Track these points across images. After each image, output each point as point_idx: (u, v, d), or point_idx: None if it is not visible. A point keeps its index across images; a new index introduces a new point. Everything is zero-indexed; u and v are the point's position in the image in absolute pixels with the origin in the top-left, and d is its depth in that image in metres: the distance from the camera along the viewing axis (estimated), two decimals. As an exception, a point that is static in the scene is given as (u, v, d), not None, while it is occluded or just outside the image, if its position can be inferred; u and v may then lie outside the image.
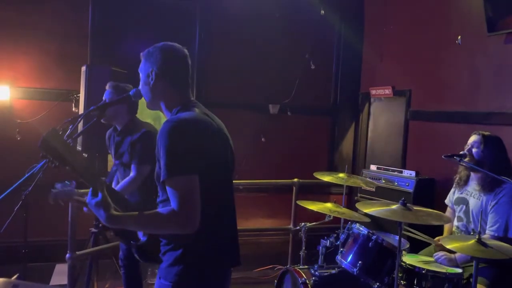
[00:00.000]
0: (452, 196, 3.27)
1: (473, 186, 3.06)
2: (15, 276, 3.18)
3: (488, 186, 2.92)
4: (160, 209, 1.64)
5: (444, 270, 2.69)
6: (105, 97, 3.16)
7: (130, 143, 3.08)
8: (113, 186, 3.14)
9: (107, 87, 3.17)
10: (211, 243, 1.71)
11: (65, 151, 1.57)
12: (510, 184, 2.75)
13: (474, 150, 2.97)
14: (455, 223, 3.12)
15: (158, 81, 1.77)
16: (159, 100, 1.80)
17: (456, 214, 3.14)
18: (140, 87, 1.85)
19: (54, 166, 1.61)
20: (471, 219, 3.01)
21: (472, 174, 3.07)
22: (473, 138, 3.03)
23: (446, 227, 3.26)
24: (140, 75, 1.84)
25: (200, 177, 1.61)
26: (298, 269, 3.11)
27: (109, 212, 1.59)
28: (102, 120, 3.12)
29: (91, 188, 1.63)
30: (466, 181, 3.12)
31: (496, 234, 2.80)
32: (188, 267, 1.67)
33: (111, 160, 3.53)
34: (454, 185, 3.26)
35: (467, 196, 3.09)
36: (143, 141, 3.03)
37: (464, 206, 3.08)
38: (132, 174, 3.05)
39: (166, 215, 1.59)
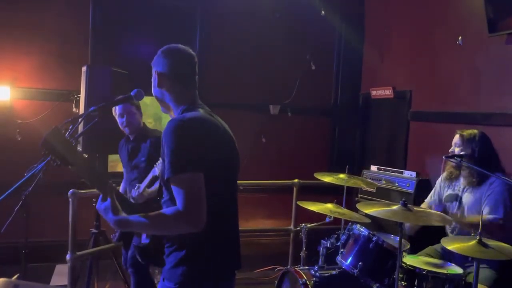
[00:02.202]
0: (437, 194, 3.26)
1: (463, 181, 3.10)
2: (15, 276, 3.18)
3: (476, 180, 2.98)
4: (165, 209, 1.64)
5: (444, 271, 2.69)
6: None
7: (147, 150, 3.11)
8: (133, 192, 3.14)
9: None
10: (215, 244, 1.71)
11: (67, 150, 1.57)
12: (500, 174, 2.85)
13: (456, 150, 3.04)
14: None
15: (161, 83, 1.79)
16: (167, 101, 1.82)
17: (449, 211, 3.13)
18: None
19: (56, 165, 1.61)
20: (465, 215, 3.02)
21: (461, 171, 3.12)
22: (454, 139, 3.10)
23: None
24: None
25: (205, 177, 1.60)
26: (298, 270, 3.11)
27: (118, 216, 1.60)
28: (129, 135, 3.18)
29: (101, 195, 1.64)
30: (457, 176, 3.15)
31: (497, 216, 2.82)
32: (192, 268, 1.67)
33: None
34: (442, 182, 3.26)
35: (459, 192, 3.10)
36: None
37: (457, 203, 3.09)
38: None
39: (171, 215, 1.59)
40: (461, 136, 3.07)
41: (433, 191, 3.35)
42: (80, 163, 1.60)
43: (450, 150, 3.10)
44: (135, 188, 3.09)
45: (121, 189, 3.39)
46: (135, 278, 3.23)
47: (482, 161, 2.93)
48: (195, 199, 1.57)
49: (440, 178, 3.31)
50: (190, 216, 1.56)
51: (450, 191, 3.17)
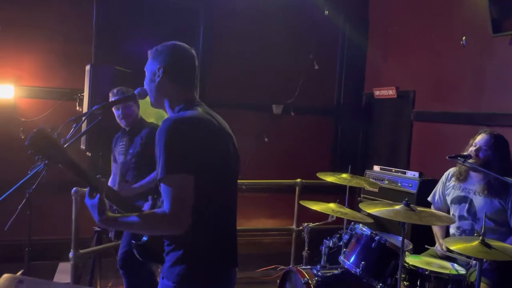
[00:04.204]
0: (442, 194, 3.20)
1: (475, 184, 2.99)
2: (20, 272, 3.20)
3: (496, 189, 2.87)
4: (153, 210, 1.64)
5: (447, 271, 2.68)
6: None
7: (140, 141, 3.11)
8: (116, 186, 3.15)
9: (113, 94, 3.18)
10: (212, 243, 1.70)
11: (54, 148, 1.56)
12: None
13: (482, 150, 2.91)
14: (456, 223, 3.04)
15: (164, 79, 1.77)
16: (164, 98, 1.80)
17: (457, 213, 3.05)
18: (145, 85, 1.84)
19: (45, 163, 1.61)
20: (478, 217, 2.93)
21: (472, 172, 3.01)
22: (482, 138, 2.95)
23: (438, 231, 3.20)
24: (146, 73, 1.83)
25: (200, 177, 1.60)
26: (300, 269, 3.10)
27: (104, 215, 1.61)
28: (124, 127, 3.17)
29: (88, 188, 1.64)
30: (466, 177, 3.05)
31: None
32: (190, 267, 1.67)
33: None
34: (448, 180, 3.18)
35: (469, 194, 3.01)
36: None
37: (467, 205, 3.00)
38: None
39: (158, 216, 1.60)
40: (494, 137, 2.90)
41: (436, 189, 3.28)
42: (68, 160, 1.59)
43: (473, 149, 2.93)
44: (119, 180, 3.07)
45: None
46: (127, 281, 3.20)
47: (506, 168, 2.82)
48: (182, 201, 1.57)
49: (444, 177, 3.24)
50: (176, 219, 1.56)
51: (458, 193, 3.07)
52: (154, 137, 3.12)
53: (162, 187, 1.59)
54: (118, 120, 3.21)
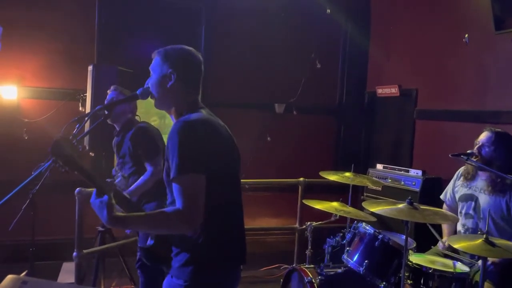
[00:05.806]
0: (452, 192, 3.19)
1: (482, 182, 2.99)
2: (24, 273, 3.20)
3: (499, 186, 2.87)
4: (165, 209, 1.65)
5: (451, 270, 2.68)
6: (109, 97, 3.20)
7: (128, 142, 3.11)
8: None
9: (111, 89, 3.18)
10: (221, 243, 1.73)
11: (76, 157, 1.59)
12: None
13: (484, 147, 2.90)
14: (462, 221, 3.05)
15: (175, 84, 1.79)
16: (172, 101, 1.82)
17: (463, 211, 3.05)
18: (150, 85, 1.83)
19: (64, 170, 1.62)
20: (481, 216, 2.93)
21: (479, 170, 3.00)
22: (484, 135, 2.95)
23: (446, 229, 3.21)
24: (152, 73, 1.83)
25: (209, 178, 1.63)
26: (304, 268, 3.11)
27: (112, 213, 1.60)
28: (108, 121, 3.17)
29: (95, 189, 1.64)
30: (474, 176, 3.04)
31: None
32: (200, 267, 1.70)
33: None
34: (458, 179, 3.17)
35: (475, 192, 3.01)
36: (141, 137, 3.07)
37: (473, 203, 2.99)
38: (149, 170, 3.06)
39: (169, 214, 1.61)
40: (496, 134, 2.88)
41: (447, 188, 3.27)
42: (86, 168, 1.60)
43: (476, 147, 2.92)
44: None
45: None
46: (143, 279, 3.23)
47: (510, 165, 2.81)
48: (194, 200, 1.60)
49: (455, 175, 3.23)
50: (189, 216, 1.59)
51: (465, 190, 3.07)
52: (136, 137, 3.12)
53: (175, 187, 1.62)
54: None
